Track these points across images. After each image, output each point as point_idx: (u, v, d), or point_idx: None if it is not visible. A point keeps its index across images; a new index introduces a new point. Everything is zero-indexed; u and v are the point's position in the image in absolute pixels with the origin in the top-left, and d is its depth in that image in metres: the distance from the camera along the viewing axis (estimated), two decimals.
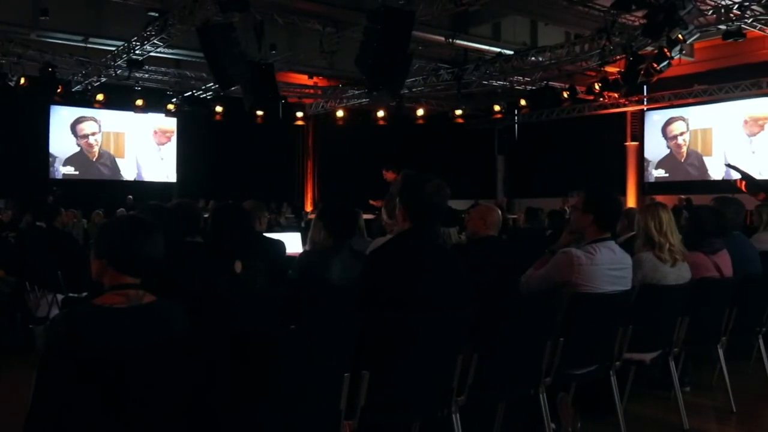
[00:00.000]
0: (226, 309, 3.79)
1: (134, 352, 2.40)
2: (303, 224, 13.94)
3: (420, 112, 20.09)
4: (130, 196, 16.36)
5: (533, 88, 17.52)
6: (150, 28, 13.16)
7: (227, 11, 10.76)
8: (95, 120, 18.96)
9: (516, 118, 22.58)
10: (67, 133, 18.67)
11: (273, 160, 20.59)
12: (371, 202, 10.53)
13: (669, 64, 12.94)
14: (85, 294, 6.19)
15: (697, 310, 4.52)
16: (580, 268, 3.92)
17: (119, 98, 16.65)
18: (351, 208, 4.84)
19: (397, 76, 11.25)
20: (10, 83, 14.47)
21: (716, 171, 18.73)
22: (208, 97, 18.01)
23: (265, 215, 5.92)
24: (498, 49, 15.89)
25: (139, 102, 16.69)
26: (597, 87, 15.55)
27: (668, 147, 20.27)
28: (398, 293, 3.20)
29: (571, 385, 4.14)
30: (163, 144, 20.19)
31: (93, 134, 19.04)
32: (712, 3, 12.39)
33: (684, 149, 19.92)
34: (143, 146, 19.90)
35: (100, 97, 16.38)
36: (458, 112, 18.90)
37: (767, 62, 16.92)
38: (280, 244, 5.49)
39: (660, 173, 20.43)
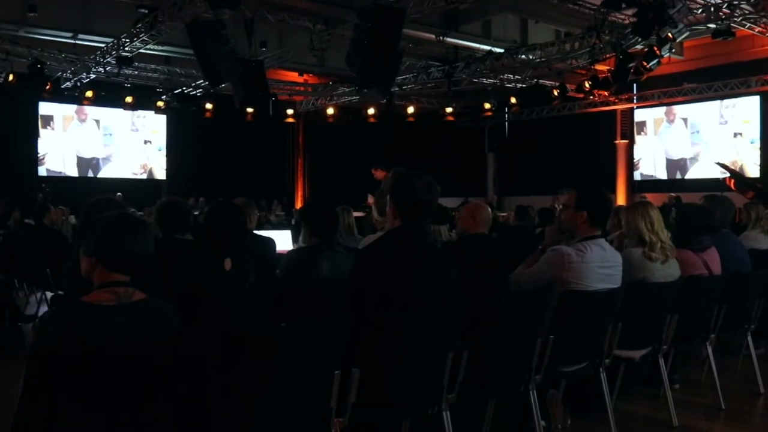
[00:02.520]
0: (216, 307, 3.78)
1: (124, 350, 2.39)
2: (293, 222, 13.92)
3: (410, 109, 20.07)
4: (119, 193, 16.29)
5: (523, 86, 17.54)
6: (139, 24, 13.10)
7: (217, 8, 10.72)
8: (84, 116, 18.87)
9: (506, 115, 22.59)
10: (56, 129, 18.56)
11: (263, 157, 20.57)
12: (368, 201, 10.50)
13: (658, 63, 12.99)
14: (60, 292, 6.15)
15: (686, 307, 4.53)
16: (570, 266, 3.93)
17: (109, 95, 16.56)
18: (330, 205, 4.85)
19: (388, 74, 11.24)
20: None
21: (705, 169, 18.80)
22: (198, 95, 17.95)
23: (254, 213, 5.91)
24: (488, 47, 15.91)
25: (129, 99, 16.60)
26: (587, 85, 15.58)
27: (657, 145, 20.34)
28: (388, 290, 3.20)
29: (561, 383, 4.15)
30: (152, 141, 20.11)
31: (81, 130, 18.94)
32: (702, 2, 12.44)
33: (673, 147, 19.99)
34: (132, 143, 19.82)
35: (89, 93, 16.30)
36: (448, 109, 18.88)
37: (756, 61, 17.00)
38: (270, 242, 5.49)
39: (649, 171, 20.51)
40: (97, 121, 19.25)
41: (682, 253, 4.74)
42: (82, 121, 19.00)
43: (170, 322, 2.65)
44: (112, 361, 2.34)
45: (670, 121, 20.07)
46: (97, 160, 19.28)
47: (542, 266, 4.06)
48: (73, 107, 18.23)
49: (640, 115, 20.61)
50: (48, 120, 18.44)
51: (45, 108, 18.17)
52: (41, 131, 18.38)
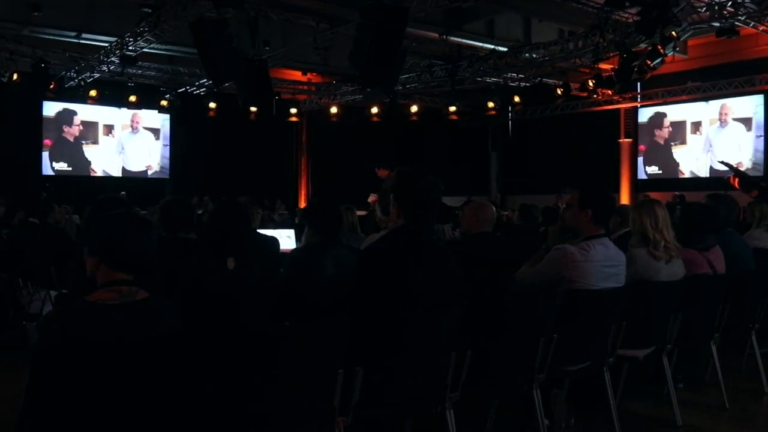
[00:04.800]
0: (219, 306, 3.78)
1: (126, 349, 2.39)
2: (297, 221, 13.91)
3: (414, 108, 20.06)
4: (123, 192, 16.29)
5: (527, 84, 17.53)
6: (143, 23, 13.11)
7: (221, 7, 10.72)
8: (88, 116, 18.90)
9: (510, 114, 22.56)
10: (59, 128, 18.59)
11: (267, 156, 20.54)
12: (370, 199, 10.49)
13: (662, 62, 12.99)
14: (64, 291, 6.16)
15: (690, 306, 4.53)
16: (574, 265, 3.93)
17: (112, 94, 16.60)
18: (333, 204, 4.85)
19: (391, 73, 11.23)
20: (2, 79, 14.44)
21: (709, 168, 18.74)
22: (202, 94, 17.97)
23: (258, 212, 5.91)
24: (492, 46, 15.88)
25: (133, 98, 16.64)
26: (590, 84, 15.57)
27: (661, 144, 20.29)
28: (391, 289, 3.20)
29: (564, 382, 4.15)
30: (156, 140, 20.13)
31: (85, 130, 18.99)
32: (706, 0, 12.41)
33: (677, 146, 19.93)
34: (136, 142, 19.84)
35: (92, 93, 16.33)
36: (452, 108, 18.90)
37: (760, 59, 16.94)
38: (273, 241, 5.49)
39: (653, 170, 20.43)
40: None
41: (686, 252, 4.73)
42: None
43: (173, 321, 2.65)
44: (115, 359, 2.34)
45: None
46: (101, 158, 19.30)
47: (546, 265, 4.06)
48: (77, 106, 18.20)
49: (643, 113, 20.49)
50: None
51: (49, 107, 18.20)
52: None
